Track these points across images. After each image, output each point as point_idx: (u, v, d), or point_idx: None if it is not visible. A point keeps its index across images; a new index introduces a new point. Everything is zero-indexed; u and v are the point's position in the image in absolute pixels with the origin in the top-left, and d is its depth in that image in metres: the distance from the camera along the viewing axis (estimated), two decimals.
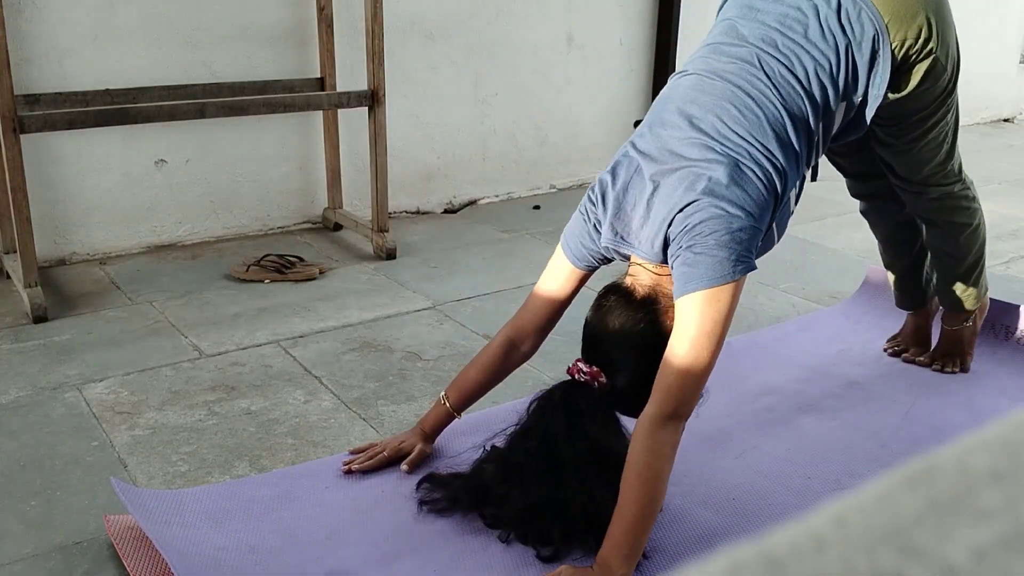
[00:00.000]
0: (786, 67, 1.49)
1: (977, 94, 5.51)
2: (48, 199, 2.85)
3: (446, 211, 3.66)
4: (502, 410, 1.94)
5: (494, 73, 3.67)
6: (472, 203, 3.74)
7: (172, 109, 2.66)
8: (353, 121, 3.25)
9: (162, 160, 3.03)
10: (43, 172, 2.83)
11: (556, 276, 1.63)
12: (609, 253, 1.56)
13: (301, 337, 2.38)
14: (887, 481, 0.26)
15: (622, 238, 1.50)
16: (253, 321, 2.47)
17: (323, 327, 2.44)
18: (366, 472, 1.69)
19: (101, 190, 2.94)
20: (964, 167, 1.96)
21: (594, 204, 1.54)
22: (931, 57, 1.62)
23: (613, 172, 1.51)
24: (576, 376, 1.51)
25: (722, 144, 1.43)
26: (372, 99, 2.92)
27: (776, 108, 1.47)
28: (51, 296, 2.59)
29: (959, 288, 2.06)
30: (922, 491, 0.25)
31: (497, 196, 3.80)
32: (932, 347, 2.21)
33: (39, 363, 2.20)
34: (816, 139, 1.54)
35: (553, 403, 1.50)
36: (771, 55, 1.50)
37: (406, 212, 3.57)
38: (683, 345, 1.37)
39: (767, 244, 1.52)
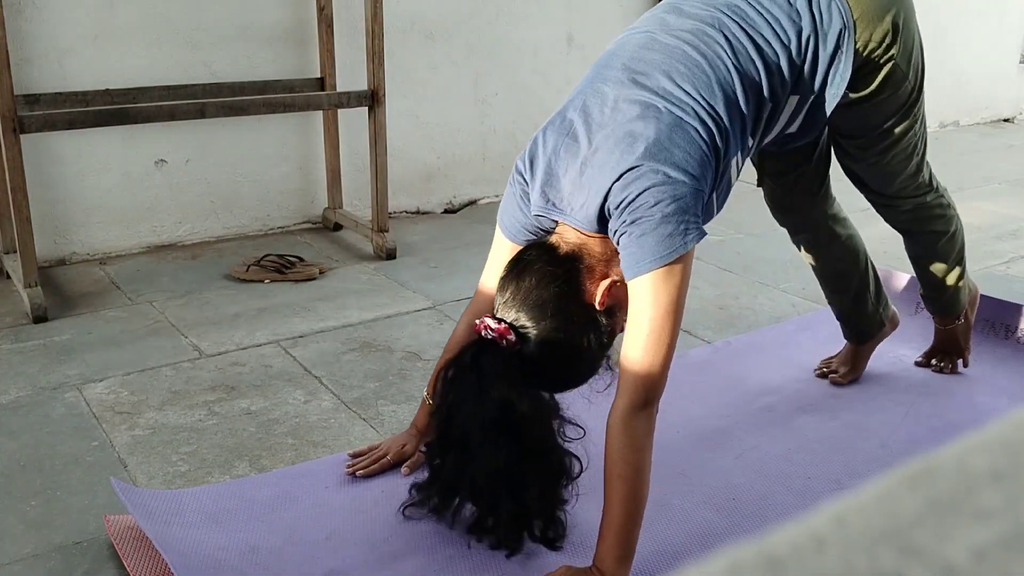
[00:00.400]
0: (746, 34, 1.44)
1: (977, 94, 5.52)
2: (48, 199, 2.85)
3: (446, 211, 3.66)
4: None
5: (494, 73, 3.67)
6: (472, 203, 3.74)
7: (172, 109, 2.66)
8: (353, 121, 3.25)
9: (162, 160, 3.03)
10: (43, 172, 2.83)
11: (499, 255, 1.56)
12: (540, 222, 1.46)
13: (301, 337, 2.38)
14: (887, 481, 0.26)
15: (553, 204, 1.41)
16: (253, 321, 2.47)
17: (323, 327, 2.44)
18: (370, 476, 1.69)
19: (101, 190, 2.94)
20: (936, 176, 1.91)
21: (522, 173, 1.47)
22: (891, 63, 1.57)
23: (544, 134, 1.43)
24: (483, 333, 1.40)
25: (665, 100, 1.36)
26: (372, 99, 2.92)
27: (728, 70, 1.41)
28: (51, 296, 2.59)
29: (944, 292, 2.04)
30: (922, 491, 0.25)
31: (497, 196, 3.80)
32: (862, 373, 2.14)
33: (39, 363, 2.20)
34: (764, 113, 1.47)
35: (464, 367, 1.40)
36: (732, 20, 1.45)
37: (406, 212, 3.57)
38: (643, 329, 1.32)
39: (706, 216, 1.41)
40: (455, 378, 1.40)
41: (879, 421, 1.94)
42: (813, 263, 2.05)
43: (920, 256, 2.01)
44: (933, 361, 2.18)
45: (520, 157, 1.47)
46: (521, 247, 1.50)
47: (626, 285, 1.37)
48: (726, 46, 1.42)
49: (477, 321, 1.43)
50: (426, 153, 3.58)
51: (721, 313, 2.56)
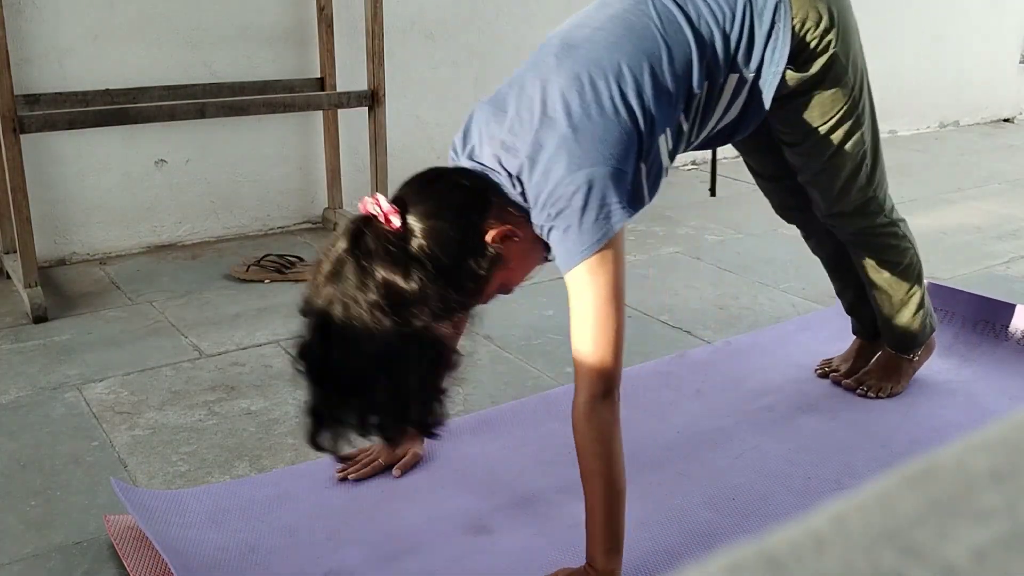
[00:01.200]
0: (677, 5, 1.43)
1: (977, 94, 5.51)
2: (48, 199, 2.85)
3: None
4: (501, 410, 1.94)
5: (494, 73, 3.67)
6: None
7: (172, 109, 2.66)
8: (353, 121, 3.25)
9: (162, 160, 3.03)
10: (43, 172, 2.83)
11: None
12: None
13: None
14: (887, 481, 0.26)
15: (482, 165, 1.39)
16: (253, 321, 2.47)
17: None
18: (362, 480, 1.68)
19: (101, 190, 2.94)
20: (896, 208, 1.86)
21: (455, 147, 1.45)
22: (830, 52, 1.56)
23: (480, 107, 1.43)
24: (369, 207, 1.30)
25: (589, 74, 1.35)
26: (372, 99, 2.92)
27: (656, 41, 1.40)
28: (51, 296, 2.59)
29: (896, 326, 1.97)
30: (922, 491, 0.25)
31: None
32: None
33: (39, 363, 2.20)
34: (699, 91, 1.45)
35: (344, 250, 1.28)
36: None
37: None
38: (587, 321, 1.31)
39: (638, 203, 1.38)
40: (337, 263, 1.29)
41: (879, 421, 1.94)
42: (822, 252, 2.05)
43: (868, 279, 1.92)
44: (862, 387, 2.03)
45: (456, 134, 1.46)
46: None
47: (523, 245, 1.35)
48: (655, 16, 1.42)
49: (367, 197, 1.32)
50: (426, 153, 3.58)
51: (721, 313, 2.56)
